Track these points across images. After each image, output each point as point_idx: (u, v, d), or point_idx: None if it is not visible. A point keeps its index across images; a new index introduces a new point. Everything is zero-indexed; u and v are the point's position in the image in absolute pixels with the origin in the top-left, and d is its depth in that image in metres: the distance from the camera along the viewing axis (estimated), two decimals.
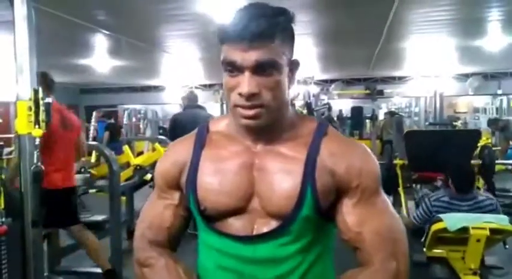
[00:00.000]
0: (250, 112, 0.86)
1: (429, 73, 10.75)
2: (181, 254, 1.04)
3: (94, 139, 8.92)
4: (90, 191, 5.05)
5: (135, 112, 11.41)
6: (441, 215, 2.86)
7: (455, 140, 4.00)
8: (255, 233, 0.91)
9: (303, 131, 0.95)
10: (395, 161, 4.48)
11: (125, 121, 10.69)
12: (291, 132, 0.95)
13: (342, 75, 11.38)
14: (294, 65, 0.92)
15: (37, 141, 1.92)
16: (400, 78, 11.42)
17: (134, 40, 6.19)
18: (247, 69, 0.84)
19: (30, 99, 1.89)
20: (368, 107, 12.10)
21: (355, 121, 11.60)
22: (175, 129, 4.31)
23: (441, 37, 6.32)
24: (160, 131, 10.64)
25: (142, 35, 6.02)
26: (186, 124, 4.02)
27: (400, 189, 4.30)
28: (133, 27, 5.51)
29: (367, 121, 12.10)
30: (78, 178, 3.78)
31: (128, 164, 4.91)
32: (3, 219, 1.99)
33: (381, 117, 12.12)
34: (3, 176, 2.64)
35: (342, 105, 12.29)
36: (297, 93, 7.85)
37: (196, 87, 11.92)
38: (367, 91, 11.53)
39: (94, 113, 9.44)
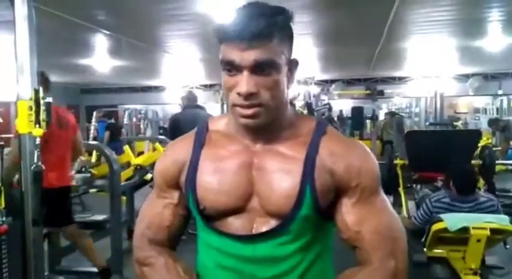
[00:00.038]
0: (249, 112, 0.87)
1: (430, 73, 10.75)
2: (182, 253, 1.04)
3: (94, 139, 8.93)
4: (91, 190, 5.05)
5: (136, 112, 11.43)
6: (441, 215, 2.86)
7: (456, 141, 4.00)
8: (254, 232, 0.92)
9: (302, 130, 0.96)
10: (395, 162, 4.48)
11: (126, 121, 10.71)
12: (290, 131, 0.95)
13: (342, 75, 11.38)
14: (292, 64, 0.92)
15: (37, 141, 1.93)
16: (401, 79, 11.42)
17: (134, 40, 6.20)
18: (246, 68, 0.84)
19: (30, 99, 1.89)
20: (368, 107, 12.11)
21: (356, 122, 11.61)
22: (175, 128, 4.32)
23: (442, 37, 6.32)
24: (161, 131, 10.66)
25: (142, 35, 6.02)
26: (186, 124, 4.02)
27: (401, 189, 4.31)
28: (134, 27, 5.52)
29: (368, 121, 12.11)
30: (78, 178, 3.79)
31: (128, 164, 4.91)
32: (4, 218, 1.99)
33: (382, 117, 12.13)
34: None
35: (343, 105, 12.30)
36: (298, 93, 7.85)
37: (196, 87, 11.94)
38: (368, 92, 11.54)
39: (94, 113, 9.45)
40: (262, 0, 0.89)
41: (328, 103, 9.41)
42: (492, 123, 9.41)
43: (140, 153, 6.93)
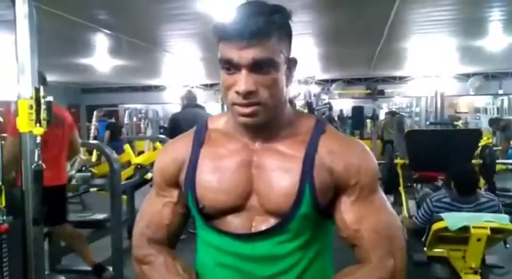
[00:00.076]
0: (248, 110, 0.87)
1: (430, 73, 10.74)
2: (181, 252, 1.05)
3: (95, 138, 8.95)
4: (91, 190, 5.06)
5: (136, 111, 11.44)
6: (442, 215, 2.86)
7: (456, 140, 4.00)
8: (253, 230, 0.92)
9: (301, 129, 0.96)
10: (396, 161, 4.48)
11: (126, 120, 10.72)
12: (289, 129, 0.95)
13: (342, 75, 11.38)
14: (291, 63, 0.93)
15: (38, 139, 1.93)
16: (401, 78, 11.42)
17: (135, 39, 6.20)
18: (244, 67, 0.84)
19: (31, 98, 1.89)
20: (369, 107, 12.09)
21: (356, 121, 11.59)
22: (175, 128, 4.32)
23: (442, 37, 6.31)
24: (161, 130, 10.67)
25: (143, 35, 6.03)
26: (185, 123, 4.02)
27: (401, 188, 4.30)
28: (135, 26, 5.52)
29: (368, 121, 12.09)
30: (78, 177, 3.79)
31: (128, 163, 4.92)
32: (4, 217, 1.99)
33: (382, 116, 12.12)
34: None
35: (343, 104, 12.30)
36: (298, 92, 7.85)
37: (197, 87, 11.94)
38: (368, 91, 11.54)
39: (95, 112, 9.47)
40: None
41: (329, 103, 9.40)
42: (493, 122, 9.41)
43: (141, 152, 6.94)
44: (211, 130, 1.00)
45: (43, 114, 1.91)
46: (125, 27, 5.55)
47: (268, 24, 0.84)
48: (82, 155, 4.47)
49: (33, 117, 1.89)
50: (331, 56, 8.19)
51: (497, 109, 12.34)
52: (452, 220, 2.78)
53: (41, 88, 1.92)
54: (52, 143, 2.81)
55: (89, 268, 3.30)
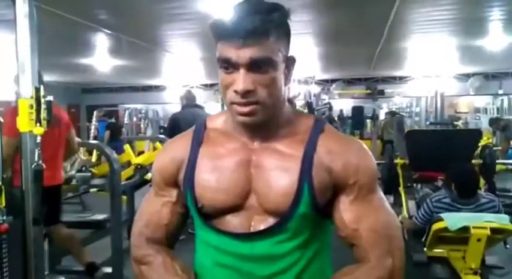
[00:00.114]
0: (246, 109, 0.87)
1: (430, 73, 10.74)
2: (181, 253, 1.04)
3: (95, 138, 8.95)
4: (91, 190, 5.05)
5: (136, 111, 11.44)
6: (442, 215, 2.86)
7: (456, 140, 4.00)
8: (252, 230, 0.92)
9: (300, 128, 0.96)
10: (396, 161, 4.48)
11: (126, 120, 10.72)
12: (287, 128, 0.95)
13: (342, 75, 11.38)
14: (290, 62, 0.92)
15: (38, 139, 1.93)
16: (401, 78, 11.42)
17: (136, 39, 6.20)
18: (242, 66, 0.84)
19: (31, 97, 1.89)
20: (369, 107, 12.10)
21: (356, 121, 11.60)
22: (174, 127, 4.32)
23: (442, 37, 6.31)
24: (161, 130, 10.67)
25: (143, 34, 6.03)
26: (185, 123, 4.03)
27: (401, 189, 4.30)
28: (135, 26, 5.52)
29: (368, 121, 12.09)
30: (78, 177, 3.79)
31: (128, 164, 4.92)
32: (4, 217, 1.99)
33: (382, 116, 12.12)
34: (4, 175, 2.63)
35: (343, 104, 12.29)
36: (298, 92, 7.85)
37: (197, 87, 11.94)
38: (368, 91, 11.53)
39: (95, 112, 9.47)
40: None
41: (329, 103, 9.40)
42: (493, 122, 9.42)
43: (141, 153, 6.94)
44: (210, 129, 1.00)
45: (43, 114, 1.91)
46: (125, 27, 5.55)
47: (266, 23, 0.83)
48: (82, 156, 4.47)
49: (34, 116, 1.89)
50: (331, 56, 8.19)
51: (497, 109, 12.34)
52: (452, 220, 2.78)
53: (41, 87, 1.92)
54: (48, 143, 2.78)
55: None
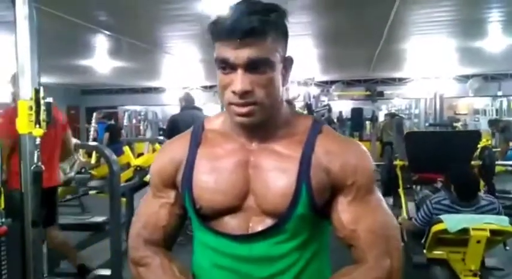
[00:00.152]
0: (244, 110, 0.87)
1: (429, 74, 10.76)
2: (180, 255, 1.04)
3: (94, 140, 8.94)
4: (90, 192, 5.06)
5: (135, 113, 11.43)
6: (441, 216, 2.86)
7: (456, 142, 3.99)
8: (250, 231, 0.91)
9: (298, 129, 0.96)
10: (395, 163, 4.48)
11: (125, 122, 10.71)
12: (285, 129, 0.95)
13: (342, 77, 11.40)
14: (287, 62, 0.92)
15: (37, 141, 1.92)
16: (401, 80, 11.43)
17: (135, 41, 6.20)
18: (240, 66, 0.84)
19: (31, 99, 1.89)
20: (368, 108, 12.12)
21: (355, 123, 11.61)
22: (173, 129, 4.33)
23: (441, 38, 6.32)
24: (161, 132, 10.66)
25: (143, 36, 6.03)
26: (184, 124, 4.03)
27: (401, 190, 4.30)
28: (135, 27, 5.52)
29: (367, 122, 12.11)
30: (76, 178, 3.78)
31: (128, 165, 4.91)
32: (3, 219, 1.98)
33: (381, 118, 12.14)
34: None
35: (342, 106, 12.31)
36: (298, 94, 7.86)
37: (196, 89, 11.95)
38: (367, 93, 11.54)
39: (94, 114, 9.46)
40: None
41: (328, 104, 9.41)
42: (492, 123, 9.44)
43: (140, 154, 6.93)
44: (208, 130, 1.00)
45: (43, 115, 1.91)
46: (124, 28, 5.55)
47: (263, 23, 0.83)
48: (81, 157, 4.46)
49: (33, 118, 1.89)
50: (331, 57, 8.20)
51: (496, 110, 12.36)
52: (451, 221, 2.78)
53: (41, 89, 1.92)
54: (44, 144, 2.76)
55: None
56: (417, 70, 10.27)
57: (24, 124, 1.90)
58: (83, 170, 4.10)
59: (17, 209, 1.97)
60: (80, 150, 4.11)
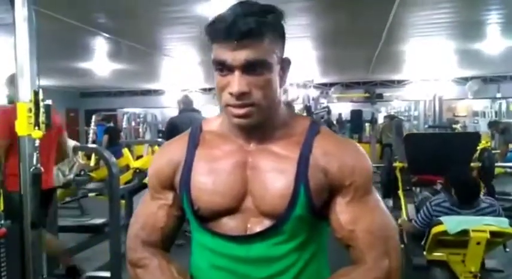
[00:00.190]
0: (241, 111, 0.87)
1: (428, 76, 10.78)
2: (180, 256, 1.04)
3: (93, 142, 8.94)
4: (90, 194, 5.05)
5: (135, 116, 11.44)
6: (441, 218, 2.86)
7: (455, 143, 3.99)
8: (248, 232, 0.91)
9: (296, 130, 0.96)
10: (395, 164, 4.48)
11: (125, 124, 10.71)
12: (283, 130, 0.95)
13: (341, 79, 11.42)
14: (285, 63, 0.93)
15: (37, 143, 1.93)
16: (400, 82, 11.45)
17: (134, 43, 6.21)
18: (237, 68, 0.84)
19: (30, 101, 1.89)
20: (367, 111, 12.13)
21: (355, 125, 11.63)
22: (172, 131, 4.33)
23: (440, 40, 6.34)
24: (160, 134, 10.67)
25: (142, 38, 6.04)
26: (182, 126, 4.03)
27: (400, 192, 4.30)
28: (134, 30, 5.53)
29: (367, 124, 12.11)
30: (77, 181, 3.78)
31: (127, 168, 4.91)
32: (2, 221, 1.98)
33: (380, 120, 12.14)
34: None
35: (342, 108, 12.32)
36: (297, 96, 7.87)
37: (195, 91, 11.96)
38: (367, 95, 11.56)
39: (93, 116, 9.46)
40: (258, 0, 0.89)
41: (327, 107, 9.41)
42: (492, 124, 9.44)
43: (139, 157, 6.93)
44: (206, 132, 1.00)
45: (42, 117, 1.91)
46: (124, 30, 5.56)
47: (260, 25, 0.84)
48: (80, 160, 4.46)
49: (32, 120, 1.89)
50: (330, 59, 8.21)
51: (495, 112, 12.37)
52: (451, 223, 2.78)
53: (40, 91, 1.92)
54: (40, 146, 2.77)
55: (88, 273, 3.28)
56: (416, 72, 10.29)
57: (24, 126, 1.90)
58: (82, 172, 4.10)
59: (16, 211, 1.97)
60: (79, 152, 4.10)
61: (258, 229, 0.91)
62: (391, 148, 6.25)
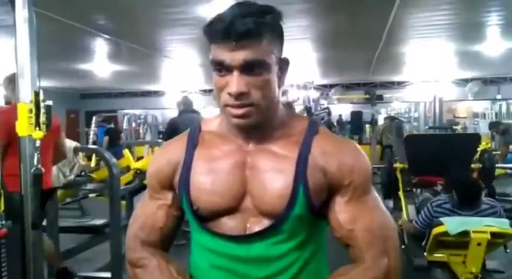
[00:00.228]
0: (240, 111, 0.87)
1: (428, 78, 10.78)
2: (180, 256, 1.04)
3: (94, 143, 8.95)
4: (90, 195, 5.05)
5: (135, 117, 11.45)
6: (442, 219, 2.86)
7: (455, 145, 3.99)
8: (247, 232, 0.92)
9: (295, 130, 0.96)
10: (395, 165, 4.48)
11: (125, 125, 10.72)
12: (282, 130, 0.96)
13: (341, 80, 11.42)
14: (283, 63, 0.93)
15: (37, 143, 1.93)
16: (400, 83, 11.45)
17: (135, 45, 6.22)
18: (236, 68, 0.85)
19: (31, 102, 1.89)
20: (367, 112, 12.13)
21: (355, 126, 11.63)
22: (173, 132, 4.33)
23: (440, 41, 6.34)
24: (160, 135, 10.67)
25: (143, 40, 6.04)
26: (183, 127, 4.03)
27: (401, 193, 4.29)
28: (134, 31, 5.54)
29: (367, 125, 12.11)
30: (77, 182, 3.78)
31: (128, 169, 4.92)
32: (3, 222, 1.98)
33: (381, 121, 12.14)
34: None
35: (342, 109, 12.31)
36: (297, 97, 7.87)
37: (196, 92, 11.96)
38: (367, 96, 11.57)
39: (94, 118, 9.47)
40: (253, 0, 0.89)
41: (328, 108, 9.39)
42: (493, 125, 9.42)
43: (140, 158, 6.94)
44: (205, 132, 1.00)
45: (42, 118, 1.91)
46: (124, 32, 5.57)
47: (259, 25, 0.84)
48: (81, 161, 4.47)
49: (33, 120, 1.89)
50: (330, 61, 8.22)
51: (496, 114, 12.36)
52: (452, 224, 2.78)
53: (41, 92, 1.92)
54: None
55: (87, 274, 3.29)
56: (416, 74, 10.29)
57: (24, 127, 1.90)
58: (82, 173, 4.10)
59: (17, 212, 1.97)
60: (80, 153, 4.11)
61: (257, 228, 0.91)
62: (392, 149, 6.25)
